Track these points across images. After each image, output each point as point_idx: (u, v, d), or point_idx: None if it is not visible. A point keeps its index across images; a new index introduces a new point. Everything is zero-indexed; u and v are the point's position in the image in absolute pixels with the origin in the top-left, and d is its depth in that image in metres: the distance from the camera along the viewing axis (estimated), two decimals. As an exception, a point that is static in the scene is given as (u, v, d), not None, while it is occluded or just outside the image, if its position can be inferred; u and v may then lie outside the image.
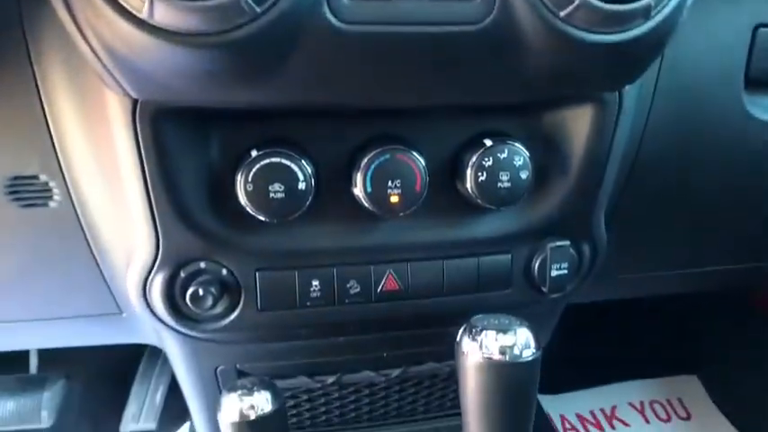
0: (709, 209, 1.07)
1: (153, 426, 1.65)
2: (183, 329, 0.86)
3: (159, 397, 1.70)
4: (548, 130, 0.84)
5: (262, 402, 0.82)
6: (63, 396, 1.54)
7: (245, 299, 0.84)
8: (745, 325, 1.95)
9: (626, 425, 1.88)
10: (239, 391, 0.82)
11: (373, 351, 1.02)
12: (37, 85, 0.78)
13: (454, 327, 0.80)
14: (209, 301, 0.81)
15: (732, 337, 1.99)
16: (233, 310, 0.84)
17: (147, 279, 0.82)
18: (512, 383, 0.72)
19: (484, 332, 0.73)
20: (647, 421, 1.89)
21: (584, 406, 1.95)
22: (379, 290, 0.86)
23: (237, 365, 0.99)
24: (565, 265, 0.90)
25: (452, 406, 1.19)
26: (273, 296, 0.84)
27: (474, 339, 0.73)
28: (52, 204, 0.86)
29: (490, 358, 0.71)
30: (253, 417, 0.81)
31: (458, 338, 0.76)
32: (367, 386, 1.10)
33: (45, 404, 1.48)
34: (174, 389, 1.74)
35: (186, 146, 0.75)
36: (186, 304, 0.82)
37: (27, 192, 0.85)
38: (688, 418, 1.91)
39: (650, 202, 1.02)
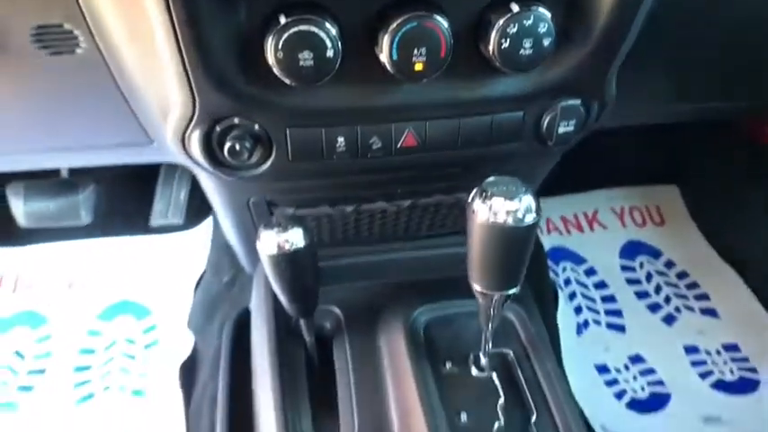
0: (729, 40, 1.05)
1: (180, 220, 1.84)
2: (220, 175, 0.95)
3: (183, 195, 1.86)
4: None
5: (296, 238, 0.95)
6: (95, 197, 1.68)
7: (276, 151, 0.91)
8: (730, 146, 2.04)
9: (604, 227, 2.06)
10: (275, 229, 0.94)
11: (389, 188, 1.13)
12: None
13: (463, 168, 0.87)
14: (245, 155, 0.88)
15: (717, 155, 2.09)
16: (266, 160, 0.92)
17: (185, 133, 0.88)
18: (512, 241, 0.85)
19: (494, 198, 0.82)
20: (624, 225, 2.06)
21: (569, 209, 2.10)
22: (399, 145, 0.92)
23: (267, 197, 1.10)
24: (573, 122, 0.96)
25: (452, 225, 1.33)
26: (303, 150, 0.91)
27: (484, 202, 0.83)
28: (79, 51, 0.87)
29: (496, 220, 0.82)
30: (289, 249, 0.94)
31: (470, 199, 0.85)
32: (379, 212, 1.23)
33: (82, 204, 1.63)
34: (195, 188, 1.89)
35: (215, 7, 0.75)
36: (224, 155, 0.89)
37: (53, 40, 0.86)
38: (662, 223, 2.07)
39: (664, 39, 0.99)
